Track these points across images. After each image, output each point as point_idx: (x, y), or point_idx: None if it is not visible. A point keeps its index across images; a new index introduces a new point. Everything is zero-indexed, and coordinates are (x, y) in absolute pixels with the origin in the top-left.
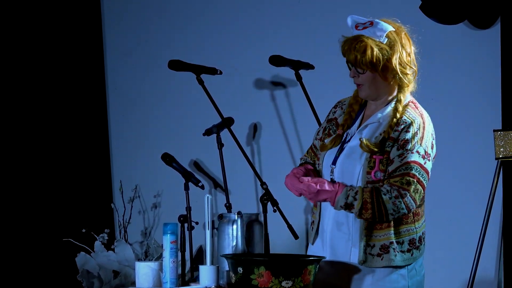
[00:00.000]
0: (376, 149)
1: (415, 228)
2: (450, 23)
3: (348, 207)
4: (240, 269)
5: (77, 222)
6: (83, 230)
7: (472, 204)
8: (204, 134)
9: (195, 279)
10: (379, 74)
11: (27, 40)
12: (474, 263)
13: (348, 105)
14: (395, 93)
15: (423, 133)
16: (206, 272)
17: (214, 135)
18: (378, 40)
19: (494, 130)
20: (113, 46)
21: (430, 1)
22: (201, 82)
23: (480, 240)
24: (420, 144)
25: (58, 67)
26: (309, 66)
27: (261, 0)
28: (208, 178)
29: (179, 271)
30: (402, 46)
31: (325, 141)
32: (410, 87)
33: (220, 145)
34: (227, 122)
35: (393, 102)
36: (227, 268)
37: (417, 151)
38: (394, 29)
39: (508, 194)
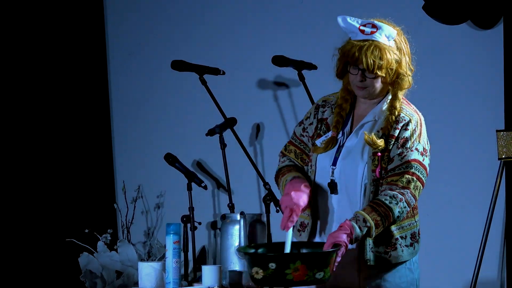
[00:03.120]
0: (380, 144)
1: (415, 221)
2: (453, 23)
3: (365, 236)
4: (272, 265)
5: (80, 223)
6: (86, 231)
7: (474, 204)
8: (207, 135)
9: (198, 279)
10: (388, 78)
11: (30, 42)
12: (477, 263)
13: (337, 105)
14: (385, 91)
15: (420, 129)
16: (209, 272)
17: (217, 136)
18: (388, 45)
19: (497, 130)
20: (116, 47)
21: (433, 1)
22: (204, 82)
23: (483, 240)
24: (419, 141)
25: (61, 68)
26: (312, 67)
27: (263, 1)
28: (211, 178)
29: (182, 271)
30: (406, 48)
31: (317, 142)
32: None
33: (223, 145)
34: (230, 122)
35: (387, 100)
36: (230, 268)
37: (416, 149)
38: (396, 32)
39: (511, 194)
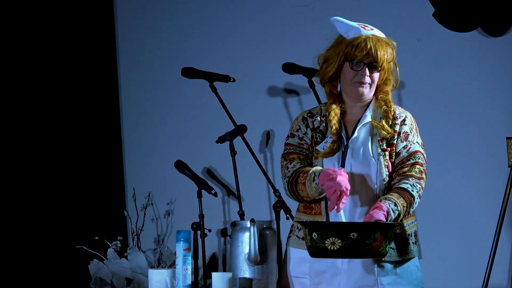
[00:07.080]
0: (389, 130)
1: (415, 220)
2: (463, 31)
3: (396, 219)
4: (354, 234)
5: (90, 230)
6: (96, 238)
7: (485, 210)
8: (217, 142)
9: (208, 287)
10: (384, 74)
11: (40, 48)
12: (487, 271)
13: (329, 112)
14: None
15: (416, 125)
16: (219, 280)
17: (227, 143)
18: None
19: (507, 138)
20: (126, 54)
21: (444, 9)
22: (214, 89)
23: (493, 246)
24: (417, 135)
25: (72, 74)
26: None
27: (274, 8)
28: (221, 185)
29: (192, 279)
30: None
31: (318, 148)
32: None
33: (233, 152)
34: (240, 130)
35: (373, 102)
36: (240, 275)
37: (417, 142)
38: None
39: None
